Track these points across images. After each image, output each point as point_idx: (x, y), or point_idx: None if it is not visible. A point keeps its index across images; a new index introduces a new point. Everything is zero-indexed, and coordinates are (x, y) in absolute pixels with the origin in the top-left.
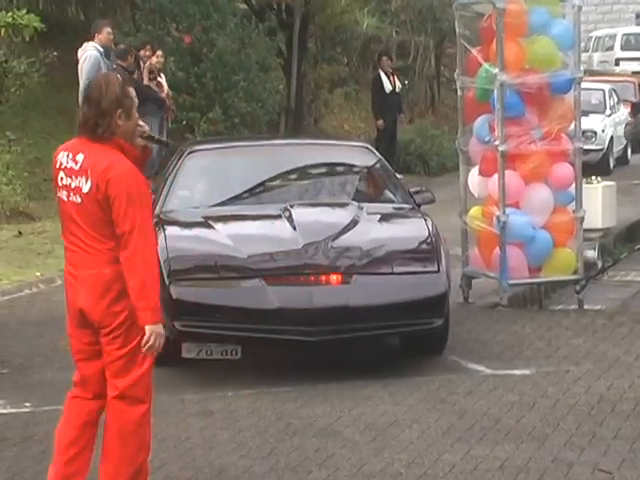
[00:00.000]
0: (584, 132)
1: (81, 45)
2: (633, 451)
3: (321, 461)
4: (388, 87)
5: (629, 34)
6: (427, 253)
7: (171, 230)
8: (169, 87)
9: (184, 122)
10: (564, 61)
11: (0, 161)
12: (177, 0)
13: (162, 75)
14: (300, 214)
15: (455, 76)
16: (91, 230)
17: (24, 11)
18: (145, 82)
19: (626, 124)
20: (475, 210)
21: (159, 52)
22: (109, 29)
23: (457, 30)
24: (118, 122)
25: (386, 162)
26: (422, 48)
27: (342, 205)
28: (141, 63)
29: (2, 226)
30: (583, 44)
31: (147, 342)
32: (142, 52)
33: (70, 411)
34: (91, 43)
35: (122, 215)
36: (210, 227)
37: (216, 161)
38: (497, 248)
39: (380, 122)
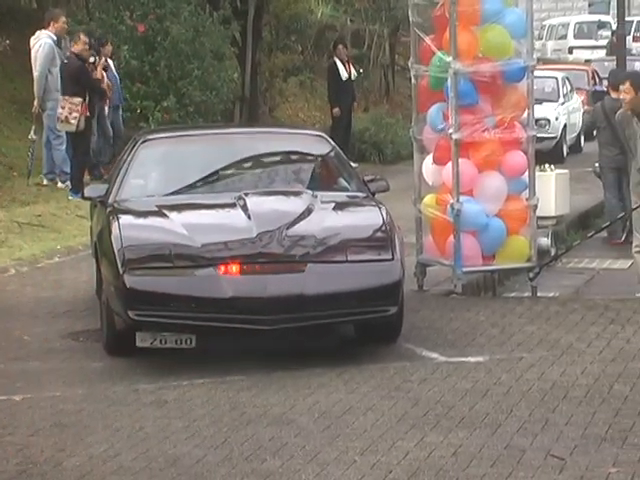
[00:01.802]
0: (537, 120)
1: (34, 33)
2: (585, 437)
3: (275, 450)
4: (344, 75)
5: (582, 22)
6: (381, 241)
7: (125, 219)
8: (123, 76)
9: (138, 111)
10: (517, 49)
11: None
12: None
13: (110, 63)
14: (254, 203)
15: (409, 64)
16: None
17: None
18: (98, 76)
19: (583, 112)
20: (429, 198)
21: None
22: (64, 18)
23: (411, 18)
24: None
25: (340, 151)
26: (376, 36)
27: (296, 194)
28: (95, 59)
29: None
30: (536, 32)
31: None
32: (106, 48)
33: None
34: (44, 31)
35: None
36: (164, 216)
37: (170, 150)
38: (451, 236)
39: (336, 110)
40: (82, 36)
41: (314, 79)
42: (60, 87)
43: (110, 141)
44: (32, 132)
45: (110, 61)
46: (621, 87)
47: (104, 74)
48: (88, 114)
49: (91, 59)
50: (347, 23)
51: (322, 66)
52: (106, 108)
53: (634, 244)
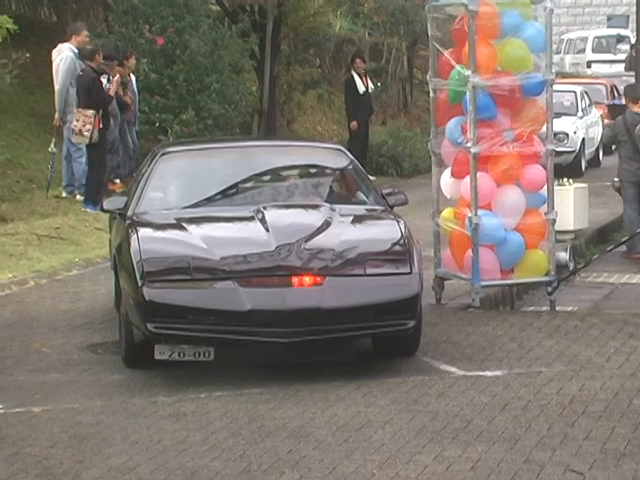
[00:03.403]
0: (556, 134)
1: (54, 46)
2: (604, 452)
3: (293, 463)
4: (361, 89)
5: (601, 37)
6: (400, 255)
7: (144, 232)
8: (142, 89)
9: (157, 124)
10: (536, 63)
11: None
12: (150, 2)
13: (132, 77)
14: (273, 216)
15: (428, 78)
16: None
17: None
18: (111, 92)
19: (604, 126)
20: (447, 212)
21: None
22: (86, 32)
23: (429, 32)
24: None
25: (359, 164)
26: (395, 50)
27: (315, 207)
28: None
29: None
30: (555, 46)
31: None
32: (130, 61)
33: None
34: (66, 44)
35: None
36: (183, 229)
37: (189, 163)
38: (469, 250)
39: (354, 123)
40: (101, 52)
41: (332, 92)
42: (75, 99)
43: (130, 154)
44: (52, 145)
45: (132, 75)
46: None
47: (128, 86)
48: (101, 126)
49: (104, 79)
50: (365, 36)
51: (340, 79)
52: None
53: None
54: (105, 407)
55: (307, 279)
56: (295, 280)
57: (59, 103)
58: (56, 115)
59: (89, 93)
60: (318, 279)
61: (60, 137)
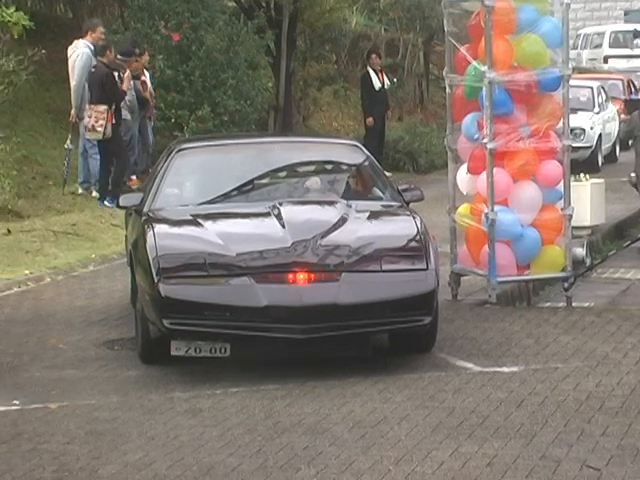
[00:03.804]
0: (572, 130)
1: (70, 43)
2: (621, 448)
3: (310, 459)
4: (377, 85)
5: (617, 32)
6: (416, 251)
7: (160, 228)
8: (157, 85)
9: (173, 120)
10: (553, 59)
11: None
12: None
13: (146, 73)
14: (289, 212)
15: (444, 74)
16: None
17: (12, 9)
18: (125, 88)
19: (620, 122)
20: (464, 208)
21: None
22: (102, 28)
23: (446, 28)
24: None
25: (375, 160)
26: (411, 46)
27: (331, 203)
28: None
29: None
30: (572, 42)
31: None
32: (143, 57)
33: None
34: (82, 41)
35: None
36: (199, 225)
37: (205, 159)
38: (486, 246)
39: (370, 120)
40: (112, 48)
41: (348, 88)
42: (88, 95)
43: (149, 150)
44: (68, 141)
45: (146, 72)
46: None
47: (147, 81)
48: (114, 121)
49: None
50: (381, 32)
51: (356, 75)
52: (151, 118)
53: None
54: (121, 403)
55: (323, 275)
56: (311, 276)
57: (75, 99)
58: (72, 111)
59: (103, 88)
60: (334, 275)
61: (76, 133)
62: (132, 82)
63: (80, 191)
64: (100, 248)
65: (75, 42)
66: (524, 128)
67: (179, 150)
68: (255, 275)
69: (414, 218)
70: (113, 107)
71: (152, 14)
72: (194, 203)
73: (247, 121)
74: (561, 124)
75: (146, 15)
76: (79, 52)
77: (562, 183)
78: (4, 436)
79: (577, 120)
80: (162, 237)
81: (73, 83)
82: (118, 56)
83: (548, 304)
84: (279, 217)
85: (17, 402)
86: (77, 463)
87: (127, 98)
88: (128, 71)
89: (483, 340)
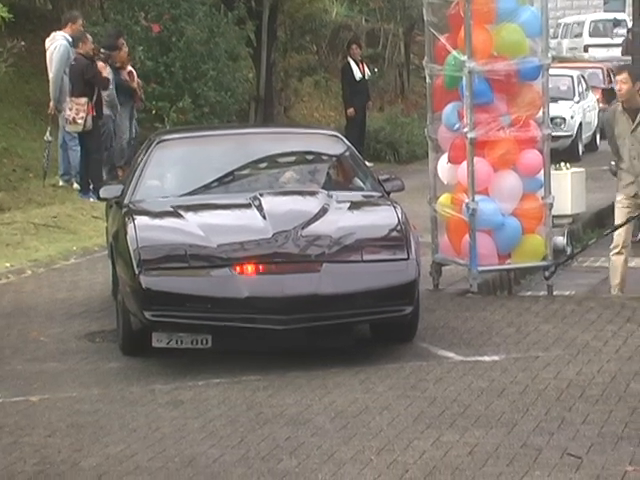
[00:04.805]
0: (553, 119)
1: (48, 35)
2: (602, 435)
3: (292, 449)
4: (358, 75)
5: (597, 21)
6: (397, 241)
7: (141, 220)
8: (138, 76)
9: (153, 111)
10: (532, 48)
11: None
12: None
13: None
14: (270, 203)
15: (424, 63)
16: None
17: None
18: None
19: (599, 110)
20: (444, 197)
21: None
22: (81, 21)
23: (425, 17)
24: None
25: (355, 150)
26: (391, 36)
27: (312, 193)
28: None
29: None
30: (552, 31)
31: None
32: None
33: None
34: (60, 32)
35: None
36: (180, 216)
37: (186, 150)
38: (467, 235)
39: (351, 110)
40: (88, 36)
41: (329, 79)
42: (69, 88)
43: (131, 142)
44: (47, 133)
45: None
46: (617, 77)
47: (133, 73)
48: (94, 114)
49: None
50: (362, 22)
51: (337, 66)
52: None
53: (612, 245)
54: (103, 395)
55: (304, 266)
56: (292, 267)
57: (54, 91)
58: (51, 104)
59: (84, 80)
60: (315, 266)
61: (55, 125)
62: (113, 76)
63: (61, 183)
64: (81, 240)
65: (53, 34)
66: (504, 117)
67: (159, 142)
68: (236, 266)
69: (395, 208)
70: (94, 99)
71: (132, 5)
72: (175, 195)
73: (228, 112)
74: (541, 113)
75: (126, 6)
76: (56, 44)
77: (542, 172)
78: None
79: (557, 109)
80: (143, 229)
81: (51, 75)
82: (101, 50)
83: (529, 293)
84: (260, 208)
85: None
86: (58, 456)
87: (106, 93)
88: (102, 63)
89: (464, 329)
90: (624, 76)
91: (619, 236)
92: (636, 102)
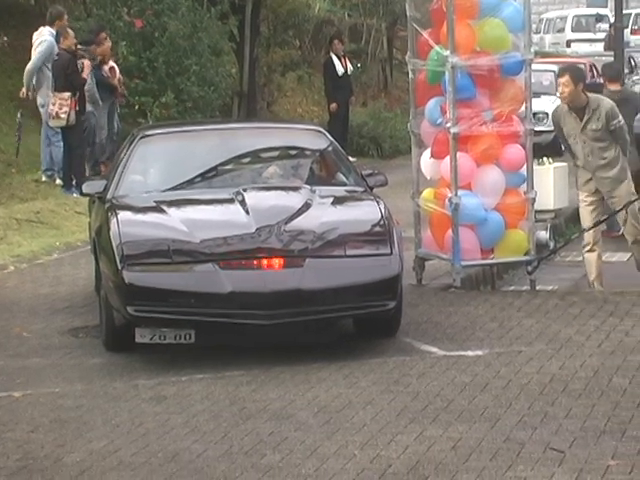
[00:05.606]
0: (535, 114)
1: (33, 30)
2: (584, 429)
3: (275, 444)
4: (340, 70)
5: (580, 15)
6: (380, 235)
7: (123, 215)
8: (120, 72)
9: (136, 107)
10: (515, 43)
11: None
12: None
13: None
14: (253, 198)
15: (406, 58)
16: None
17: None
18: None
19: None
20: (427, 192)
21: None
22: (66, 16)
23: (408, 12)
24: None
25: (339, 145)
26: (374, 31)
27: (295, 189)
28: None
29: None
30: (534, 26)
31: None
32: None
33: None
34: (47, 28)
35: None
36: (163, 212)
37: (169, 145)
38: (449, 230)
39: (334, 105)
40: (70, 31)
41: (312, 74)
42: (51, 83)
43: (113, 138)
44: (19, 114)
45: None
46: (560, 80)
47: (115, 68)
48: (77, 109)
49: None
50: (345, 17)
51: (320, 61)
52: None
53: (583, 243)
54: (86, 391)
55: (287, 261)
56: (275, 262)
57: (27, 81)
58: (23, 89)
59: (65, 75)
60: (299, 261)
61: (27, 109)
62: (94, 72)
63: (44, 179)
64: (64, 236)
65: (41, 29)
66: (487, 112)
67: (142, 137)
68: (219, 261)
69: (378, 203)
70: (77, 94)
71: (114, 0)
72: (158, 190)
73: (211, 107)
74: (524, 108)
75: (108, 1)
76: (42, 39)
77: (525, 167)
78: None
79: (540, 104)
80: (126, 224)
81: (28, 66)
82: (79, 46)
83: (512, 288)
84: (243, 203)
85: None
86: (41, 451)
87: (85, 88)
88: (87, 61)
89: (447, 324)
90: (566, 79)
91: (589, 234)
92: (580, 101)
